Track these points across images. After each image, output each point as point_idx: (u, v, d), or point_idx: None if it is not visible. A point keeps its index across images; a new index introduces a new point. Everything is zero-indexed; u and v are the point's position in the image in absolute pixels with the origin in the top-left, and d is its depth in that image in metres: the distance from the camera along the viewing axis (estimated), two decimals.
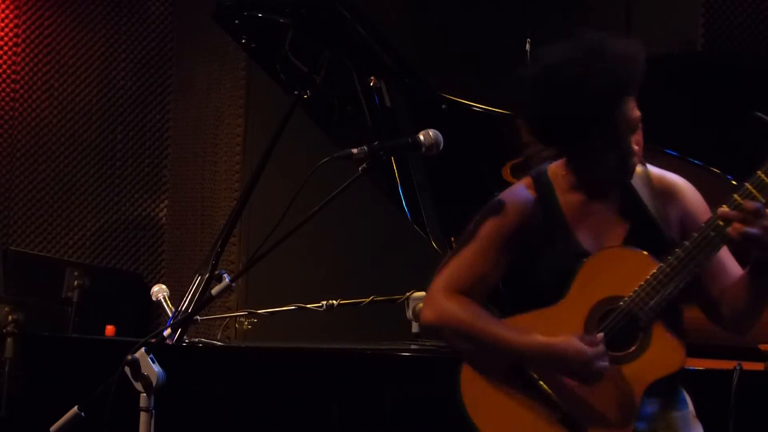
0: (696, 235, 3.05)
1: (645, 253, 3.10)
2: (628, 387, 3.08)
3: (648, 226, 3.17)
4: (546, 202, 3.21)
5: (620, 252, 3.14)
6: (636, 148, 3.13)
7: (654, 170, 3.24)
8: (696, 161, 4.51)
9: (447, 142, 3.39)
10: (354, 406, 4.08)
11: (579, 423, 3.12)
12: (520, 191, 3.25)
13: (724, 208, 3.03)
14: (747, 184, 3.04)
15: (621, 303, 3.08)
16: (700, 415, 3.34)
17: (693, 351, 4.52)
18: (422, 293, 4.79)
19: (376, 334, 4.89)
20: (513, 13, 6.67)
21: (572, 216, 3.19)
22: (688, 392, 3.28)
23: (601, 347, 3.06)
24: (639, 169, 3.20)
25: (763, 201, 3.01)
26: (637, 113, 3.12)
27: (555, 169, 3.24)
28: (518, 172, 4.51)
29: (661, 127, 6.96)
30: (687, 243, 3.05)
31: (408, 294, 4.78)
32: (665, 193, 3.22)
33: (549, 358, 3.10)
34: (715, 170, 4.51)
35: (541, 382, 3.15)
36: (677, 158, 4.52)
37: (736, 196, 3.04)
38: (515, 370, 3.17)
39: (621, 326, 3.09)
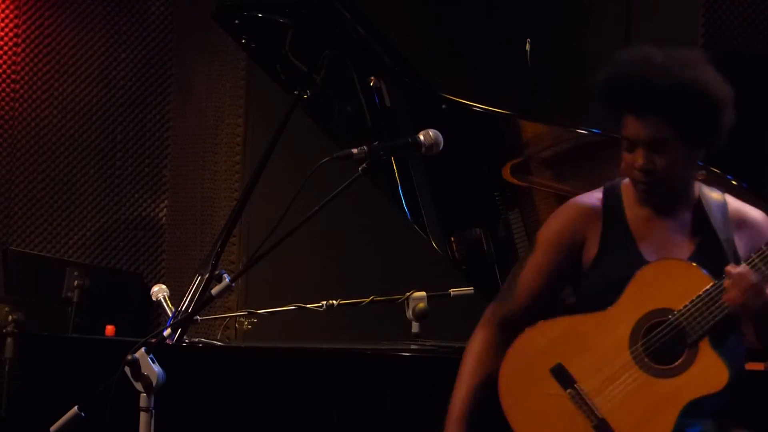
0: (753, 256, 3.03)
1: (700, 268, 3.08)
2: (666, 402, 3.06)
3: (714, 248, 3.14)
4: (611, 211, 3.22)
5: (676, 264, 3.12)
6: (630, 168, 3.12)
7: (733, 200, 3.24)
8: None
9: (447, 142, 3.39)
10: (354, 406, 4.08)
11: (613, 430, 3.10)
12: (588, 197, 3.27)
13: None
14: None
15: (670, 316, 3.07)
16: None
17: None
18: (422, 293, 4.79)
19: (376, 334, 4.89)
20: (513, 13, 6.67)
21: (637, 228, 3.19)
22: None
23: None
24: (717, 195, 3.21)
25: None
26: (632, 132, 3.09)
27: (629, 182, 3.23)
28: (518, 173, 4.51)
29: None
30: (747, 262, 3.03)
31: (408, 294, 4.78)
32: (739, 223, 3.20)
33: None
34: (715, 170, 4.51)
35: (580, 385, 3.14)
36: None
37: None
38: (556, 371, 3.17)
39: (667, 339, 3.07)
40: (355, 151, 3.35)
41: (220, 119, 6.82)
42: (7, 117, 6.96)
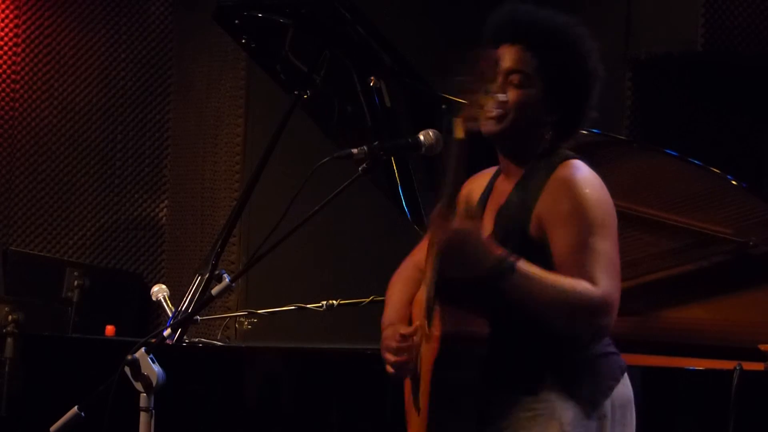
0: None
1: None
2: (424, 368, 3.07)
3: (508, 207, 3.09)
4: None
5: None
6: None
7: (570, 163, 3.08)
8: (696, 161, 4.51)
9: (447, 142, 3.39)
10: (354, 406, 4.08)
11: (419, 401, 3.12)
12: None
13: None
14: None
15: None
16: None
17: (693, 351, 4.54)
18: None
19: (376, 334, 4.89)
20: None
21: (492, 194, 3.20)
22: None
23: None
24: (565, 166, 3.07)
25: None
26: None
27: None
28: None
29: (661, 126, 7.00)
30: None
31: None
32: (548, 184, 3.05)
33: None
34: (715, 170, 4.51)
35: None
36: (677, 158, 4.52)
37: None
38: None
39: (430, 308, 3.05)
40: (355, 151, 3.35)
41: (220, 119, 6.82)
42: (7, 117, 6.96)
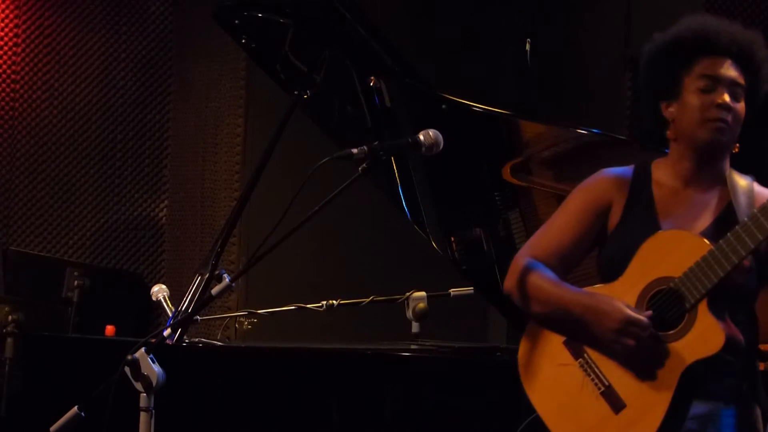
0: (746, 219, 3.06)
1: (699, 236, 3.12)
2: (667, 367, 3.09)
3: (730, 226, 3.13)
4: (639, 183, 3.27)
5: (677, 234, 3.16)
6: (709, 107, 3.18)
7: (760, 187, 3.27)
8: None
9: (447, 142, 3.39)
10: (354, 406, 4.08)
11: (619, 397, 3.14)
12: (618, 169, 3.33)
13: None
14: None
15: (671, 283, 3.10)
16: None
17: None
18: (422, 293, 4.79)
19: (376, 334, 4.89)
20: (513, 13, 6.67)
21: (661, 202, 3.23)
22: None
23: (642, 316, 3.08)
24: (745, 180, 3.24)
25: None
26: (718, 71, 3.20)
27: (662, 159, 3.30)
28: (518, 172, 4.51)
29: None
30: (737, 227, 3.06)
31: (408, 294, 4.78)
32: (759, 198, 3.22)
33: (590, 311, 3.14)
34: None
35: (589, 353, 3.19)
36: None
37: None
38: (570, 341, 3.22)
39: (668, 306, 3.10)
40: (355, 151, 3.35)
41: (220, 119, 6.82)
42: (7, 117, 6.96)
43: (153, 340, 3.20)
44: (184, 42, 7.10)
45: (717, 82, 3.17)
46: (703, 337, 3.07)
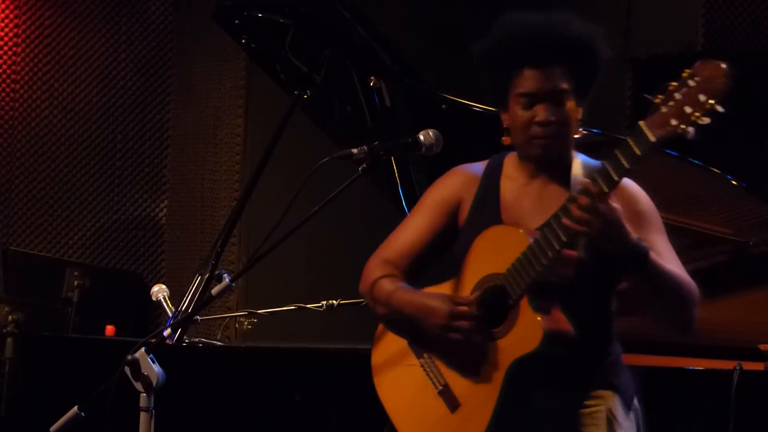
0: (558, 211, 2.96)
1: (521, 230, 3.06)
2: (495, 363, 3.07)
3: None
4: (488, 178, 3.22)
5: (503, 230, 3.12)
6: (528, 125, 3.08)
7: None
8: (696, 161, 4.51)
9: (447, 142, 3.39)
10: (354, 406, 4.08)
11: (454, 396, 3.14)
12: (469, 165, 3.28)
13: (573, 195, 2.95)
14: (595, 173, 2.93)
15: (498, 279, 3.07)
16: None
17: (693, 351, 4.54)
18: None
19: None
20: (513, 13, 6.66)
21: (507, 197, 3.18)
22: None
23: (466, 308, 3.07)
24: (588, 171, 3.11)
25: (606, 190, 2.89)
26: (533, 86, 3.07)
27: (512, 155, 3.24)
28: None
29: None
30: (551, 220, 2.97)
31: None
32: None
33: (420, 310, 3.16)
34: (715, 170, 4.51)
35: (428, 354, 3.20)
36: (677, 158, 4.52)
37: (582, 184, 2.94)
38: (412, 342, 3.23)
39: (497, 302, 3.07)
40: (355, 151, 3.35)
41: (220, 119, 6.82)
42: (7, 117, 6.96)
43: (153, 340, 3.21)
44: (184, 42, 7.10)
45: (534, 98, 3.08)
46: (523, 334, 3.02)
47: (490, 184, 3.22)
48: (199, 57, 6.99)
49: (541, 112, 3.07)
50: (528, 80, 3.08)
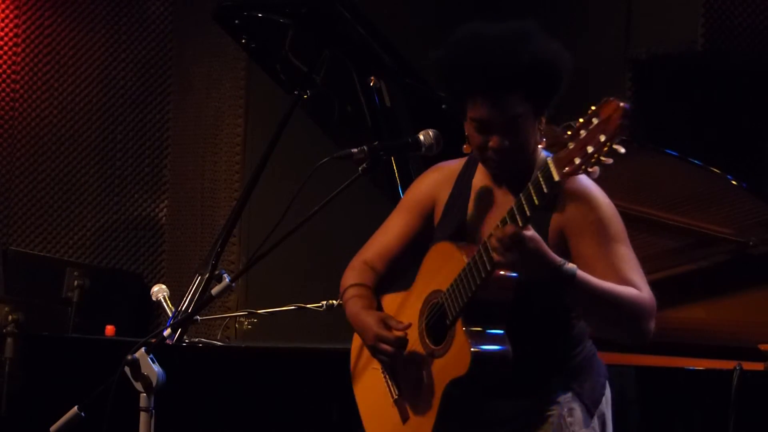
0: (486, 239, 2.92)
1: (460, 251, 3.01)
2: (432, 383, 3.06)
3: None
4: (463, 177, 3.20)
5: (447, 246, 3.08)
6: (483, 149, 3.02)
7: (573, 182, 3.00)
8: (696, 161, 4.51)
9: (447, 142, 3.39)
10: (354, 406, 4.08)
11: (406, 408, 3.14)
12: (449, 162, 3.25)
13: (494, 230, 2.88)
14: (512, 206, 2.87)
15: (439, 297, 3.05)
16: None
17: (693, 351, 4.54)
18: None
19: None
20: (512, 13, 6.66)
21: (477, 200, 3.14)
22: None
23: (392, 335, 3.08)
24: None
25: (521, 225, 2.83)
26: (484, 114, 2.99)
27: None
28: None
29: (661, 126, 6.99)
30: (485, 240, 2.92)
31: None
32: (563, 197, 3.02)
33: (358, 325, 3.20)
34: (715, 170, 4.51)
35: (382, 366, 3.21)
36: (677, 158, 4.52)
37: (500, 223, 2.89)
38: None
39: (438, 320, 3.05)
40: (355, 151, 3.35)
41: (220, 119, 6.82)
42: (7, 117, 6.96)
43: (153, 340, 3.21)
44: (184, 42, 7.10)
45: (488, 126, 3.00)
46: (455, 356, 2.99)
47: (463, 184, 3.19)
48: (199, 57, 6.98)
49: (494, 139, 3.01)
50: (480, 109, 2.99)
